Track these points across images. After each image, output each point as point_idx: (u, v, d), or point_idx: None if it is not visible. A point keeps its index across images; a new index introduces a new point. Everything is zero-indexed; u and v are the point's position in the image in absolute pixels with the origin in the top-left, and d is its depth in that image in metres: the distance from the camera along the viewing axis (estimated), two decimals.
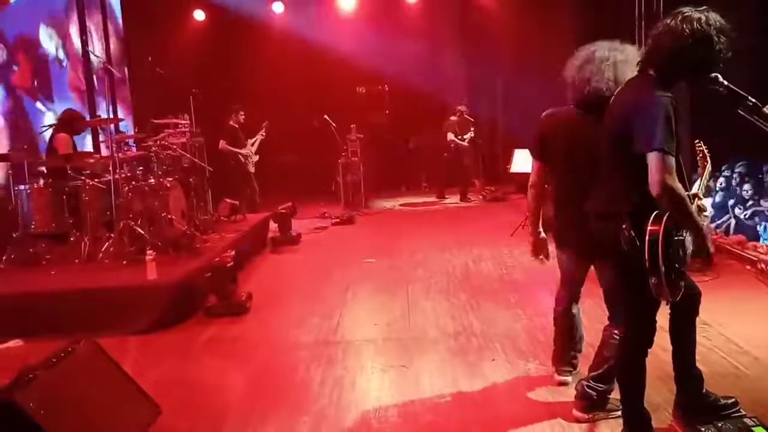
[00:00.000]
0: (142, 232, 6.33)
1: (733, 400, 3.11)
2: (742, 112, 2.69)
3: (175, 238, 6.47)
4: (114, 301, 5.24)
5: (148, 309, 5.20)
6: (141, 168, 7.15)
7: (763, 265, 5.47)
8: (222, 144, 9.74)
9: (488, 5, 12.44)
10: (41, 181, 6.54)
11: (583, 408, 3.30)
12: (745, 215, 7.30)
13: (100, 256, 6.24)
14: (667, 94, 2.63)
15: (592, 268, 3.50)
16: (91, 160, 6.88)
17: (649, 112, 2.60)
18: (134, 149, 7.39)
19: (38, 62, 8.46)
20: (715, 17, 2.63)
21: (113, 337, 4.65)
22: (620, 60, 3.17)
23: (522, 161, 7.97)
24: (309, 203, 11.00)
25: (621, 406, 3.00)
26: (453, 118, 11.77)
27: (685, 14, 2.64)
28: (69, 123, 6.93)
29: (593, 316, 3.84)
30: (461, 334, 4.73)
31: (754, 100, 2.67)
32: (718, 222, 7.33)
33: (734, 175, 7.63)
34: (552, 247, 3.68)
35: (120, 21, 10.93)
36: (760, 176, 7.49)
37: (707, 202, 3.81)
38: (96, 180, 6.65)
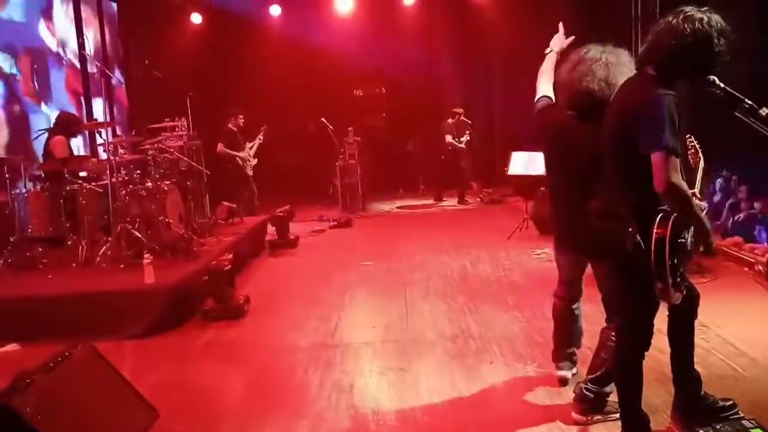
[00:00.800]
0: (140, 236, 6.32)
1: (731, 402, 3.11)
2: (739, 115, 2.69)
3: (172, 242, 6.47)
4: (111, 304, 5.23)
5: (146, 313, 5.19)
6: (138, 171, 7.12)
7: (760, 267, 5.47)
8: (220, 147, 9.73)
9: (485, 8, 12.42)
10: (38, 185, 6.52)
11: (581, 410, 3.30)
12: (738, 218, 7.33)
13: (98, 259, 6.23)
14: (670, 92, 2.61)
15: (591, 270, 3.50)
16: (89, 164, 6.88)
17: (653, 111, 2.58)
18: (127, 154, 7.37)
19: (37, 64, 8.44)
20: (716, 19, 2.63)
21: (110, 341, 4.65)
22: (612, 62, 3.16)
23: (519, 164, 7.95)
24: (306, 206, 10.99)
25: (619, 409, 3.00)
26: (450, 120, 11.74)
27: (687, 13, 2.64)
28: (65, 125, 6.90)
29: (591, 319, 3.83)
30: (459, 336, 4.73)
31: (750, 102, 2.66)
32: (717, 224, 7.35)
33: (733, 177, 7.66)
34: (551, 248, 3.68)
35: (117, 24, 10.92)
36: (755, 178, 7.52)
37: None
38: (93, 183, 6.64)
